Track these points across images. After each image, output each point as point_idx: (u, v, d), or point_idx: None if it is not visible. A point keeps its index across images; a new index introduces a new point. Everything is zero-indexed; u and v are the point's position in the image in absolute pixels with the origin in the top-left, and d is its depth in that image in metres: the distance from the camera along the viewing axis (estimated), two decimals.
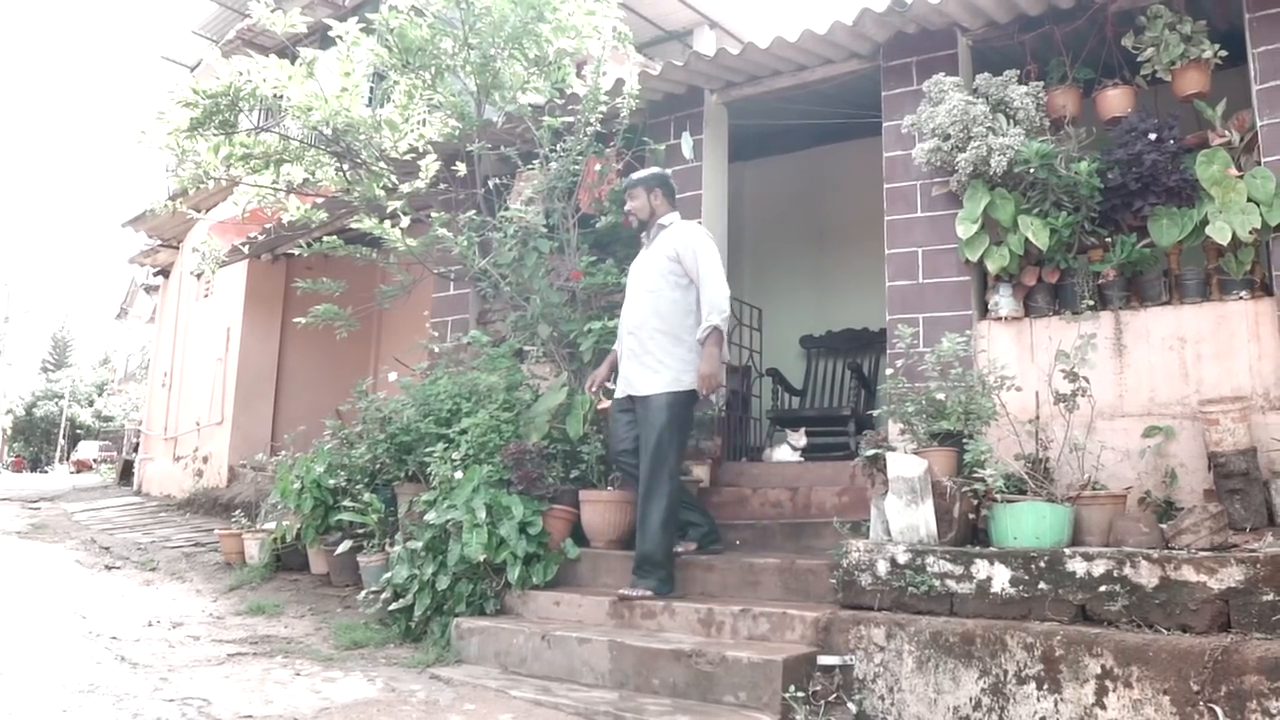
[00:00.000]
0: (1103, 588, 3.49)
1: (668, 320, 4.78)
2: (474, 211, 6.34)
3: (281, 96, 6.58)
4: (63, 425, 47.62)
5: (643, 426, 4.75)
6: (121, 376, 39.86)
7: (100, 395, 47.61)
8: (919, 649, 3.57)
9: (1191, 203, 4.68)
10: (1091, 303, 4.83)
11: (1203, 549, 3.55)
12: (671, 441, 4.67)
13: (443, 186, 6.83)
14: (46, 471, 40.34)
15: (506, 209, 6.11)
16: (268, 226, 9.23)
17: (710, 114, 6.52)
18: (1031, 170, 4.82)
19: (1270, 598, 3.19)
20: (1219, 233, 4.48)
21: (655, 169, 5.36)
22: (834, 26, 5.56)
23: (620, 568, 4.84)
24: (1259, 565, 3.25)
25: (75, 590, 6.23)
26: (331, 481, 6.26)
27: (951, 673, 3.48)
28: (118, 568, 7.25)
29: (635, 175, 5.19)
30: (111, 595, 6.11)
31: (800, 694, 3.54)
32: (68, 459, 42.49)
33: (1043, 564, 3.63)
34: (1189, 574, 3.35)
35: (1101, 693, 3.18)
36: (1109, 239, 4.88)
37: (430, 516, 5.01)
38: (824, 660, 3.74)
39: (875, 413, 5.35)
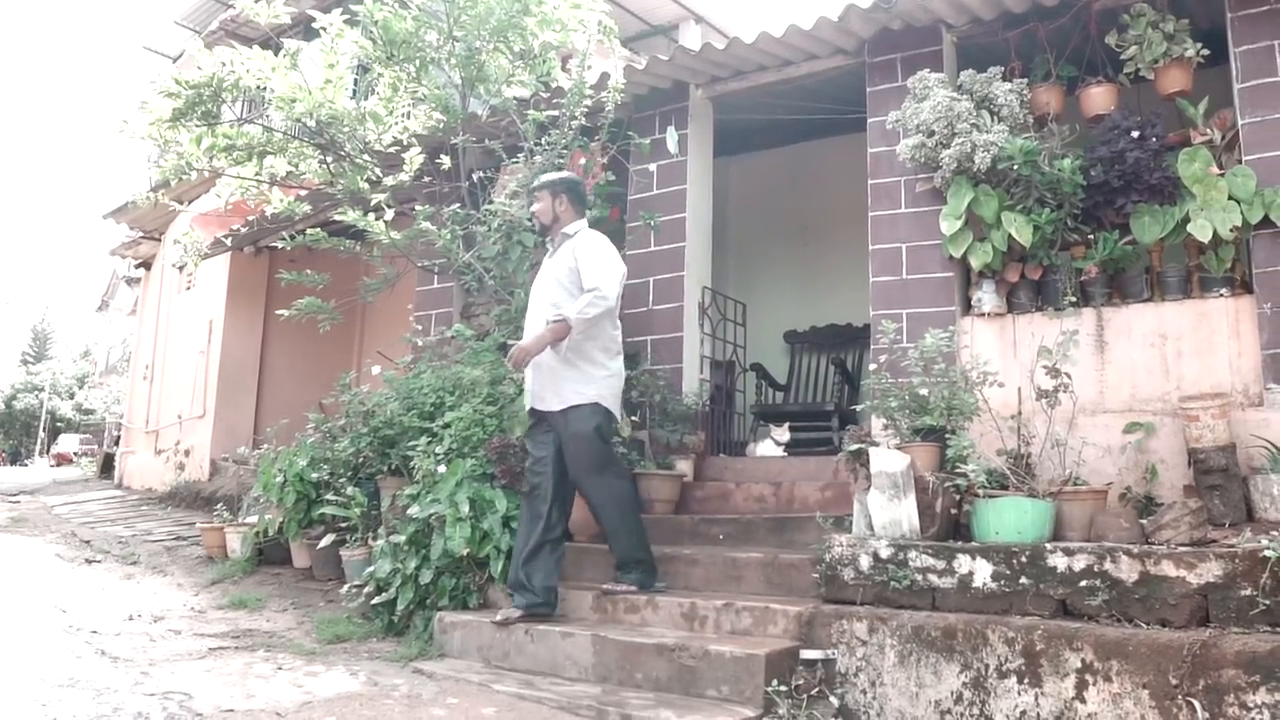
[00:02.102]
0: (1083, 582, 3.52)
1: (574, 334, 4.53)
2: (458, 205, 6.33)
3: (265, 88, 6.53)
4: (43, 418, 47.25)
5: (566, 441, 4.55)
6: (102, 369, 39.51)
7: (81, 388, 47.21)
8: (901, 643, 3.59)
9: (1173, 200, 4.71)
10: (1074, 299, 4.85)
11: (1182, 544, 3.58)
12: (600, 448, 4.52)
13: (427, 180, 6.80)
14: (26, 465, 39.97)
15: (491, 202, 6.10)
16: (250, 219, 9.18)
17: (695, 108, 6.52)
18: (1015, 167, 4.84)
19: (1248, 593, 3.21)
20: (1200, 230, 4.51)
21: (566, 173, 5.12)
22: (819, 22, 5.57)
23: (604, 562, 4.84)
24: (1237, 561, 3.28)
25: (55, 584, 6.19)
26: (314, 475, 6.23)
27: (933, 667, 3.50)
28: (98, 561, 7.21)
29: (544, 177, 4.99)
30: (92, 589, 6.07)
31: (783, 688, 3.55)
32: (48, 452, 42.16)
33: (1024, 559, 3.65)
34: (1168, 569, 3.38)
35: (1082, 687, 3.21)
36: (1091, 236, 4.91)
37: (413, 510, 5.00)
38: (806, 654, 3.75)
39: (858, 408, 5.37)
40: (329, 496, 6.01)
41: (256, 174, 7.12)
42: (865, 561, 3.98)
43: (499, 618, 4.41)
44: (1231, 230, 4.48)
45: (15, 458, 44.87)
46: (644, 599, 4.37)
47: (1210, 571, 3.31)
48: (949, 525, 4.14)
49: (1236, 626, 3.19)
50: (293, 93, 6.39)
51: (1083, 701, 3.19)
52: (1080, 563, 3.54)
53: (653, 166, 6.51)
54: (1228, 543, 3.54)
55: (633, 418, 5.57)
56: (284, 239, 6.95)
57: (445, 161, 6.57)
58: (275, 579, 6.40)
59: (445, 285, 7.34)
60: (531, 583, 4.45)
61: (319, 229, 6.78)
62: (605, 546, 4.98)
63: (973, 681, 3.41)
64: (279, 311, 7.06)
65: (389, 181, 6.44)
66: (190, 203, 10.61)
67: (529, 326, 4.75)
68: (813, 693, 3.64)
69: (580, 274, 4.55)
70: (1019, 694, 3.31)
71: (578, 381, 4.53)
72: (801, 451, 6.45)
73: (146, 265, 14.63)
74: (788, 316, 8.08)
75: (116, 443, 15.76)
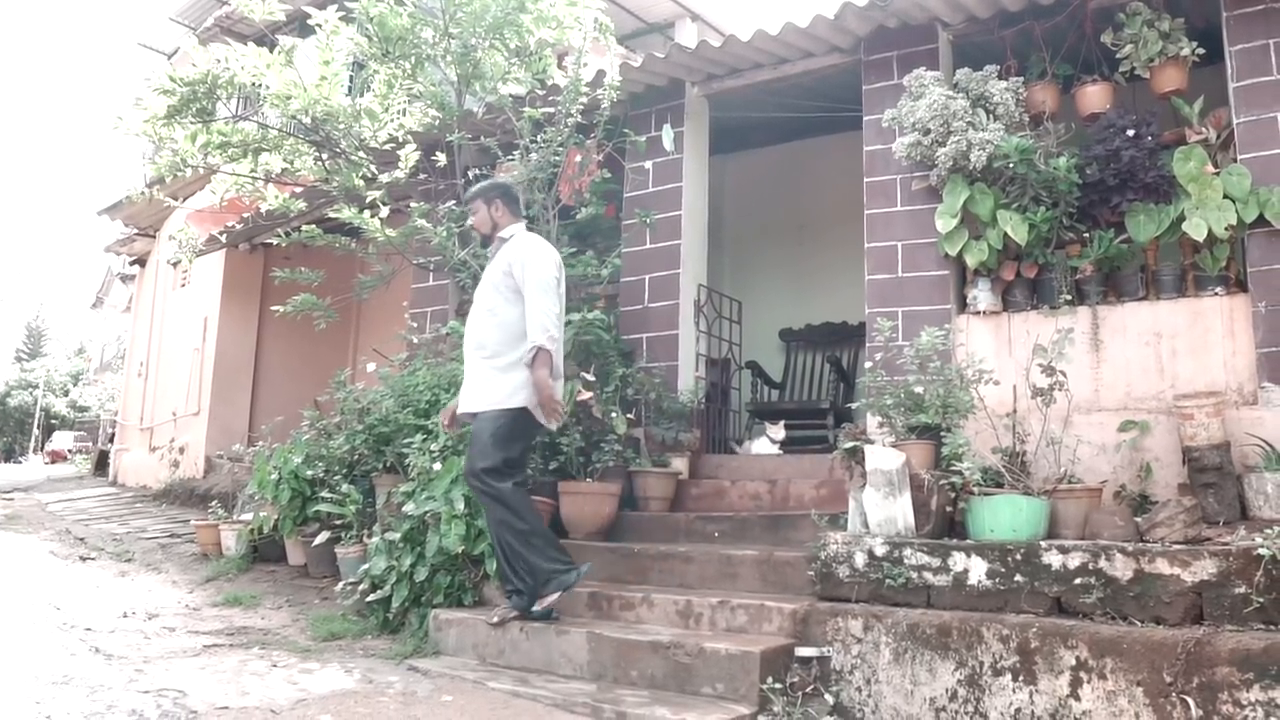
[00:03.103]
0: (1078, 580, 3.52)
1: (505, 338, 4.39)
2: (454, 202, 6.32)
3: (260, 85, 6.52)
4: (37, 415, 47.12)
5: (472, 435, 4.41)
6: (97, 366, 39.47)
7: (75, 385, 47.11)
8: (896, 641, 3.59)
9: (1168, 199, 4.72)
10: (1069, 298, 4.86)
11: (1176, 542, 3.59)
12: (495, 453, 4.27)
13: (422, 177, 6.79)
14: (20, 462, 39.83)
15: None
16: (246, 216, 9.17)
17: (691, 106, 6.52)
18: (1011, 165, 4.85)
19: (1242, 590, 3.22)
20: (1195, 229, 4.52)
21: (496, 179, 4.95)
22: (815, 20, 5.57)
23: (599, 559, 4.84)
24: (1231, 558, 3.29)
25: (49, 581, 6.17)
26: (309, 472, 6.22)
27: (928, 664, 3.50)
28: (93, 559, 7.19)
29: (474, 187, 4.82)
30: (86, 586, 6.06)
31: (778, 685, 3.55)
32: (42, 449, 42.05)
33: (1019, 557, 3.66)
34: (1163, 567, 3.38)
35: (1076, 684, 3.21)
36: (1087, 234, 4.92)
37: (408, 508, 4.99)
38: (802, 652, 3.75)
39: (854, 406, 5.38)
40: (324, 494, 6.00)
41: (251, 171, 7.11)
42: (860, 559, 3.98)
43: (494, 619, 4.36)
44: (1226, 229, 4.48)
45: (9, 455, 44.75)
46: (639, 596, 4.37)
47: (1205, 569, 3.32)
48: (944, 523, 4.14)
49: (1231, 624, 3.20)
50: (288, 89, 6.38)
51: (1077, 699, 3.20)
52: (1075, 560, 3.55)
53: (648, 164, 6.51)
54: (1222, 541, 3.55)
55: (629, 415, 5.57)
56: (279, 236, 6.94)
57: (441, 159, 6.57)
58: (270, 576, 6.39)
59: (440, 282, 7.33)
60: (527, 588, 4.39)
61: (314, 226, 6.78)
62: (601, 544, 5.00)
63: (968, 679, 3.42)
64: (274, 308, 7.05)
65: (384, 178, 6.43)
66: (185, 199, 10.59)
67: (469, 333, 4.59)
68: (808, 690, 3.64)
69: (519, 285, 4.40)
70: (1014, 691, 3.32)
71: (510, 384, 4.36)
72: (797, 449, 6.46)
73: (141, 262, 14.61)
74: (783, 314, 8.09)
75: (111, 440, 15.73)
